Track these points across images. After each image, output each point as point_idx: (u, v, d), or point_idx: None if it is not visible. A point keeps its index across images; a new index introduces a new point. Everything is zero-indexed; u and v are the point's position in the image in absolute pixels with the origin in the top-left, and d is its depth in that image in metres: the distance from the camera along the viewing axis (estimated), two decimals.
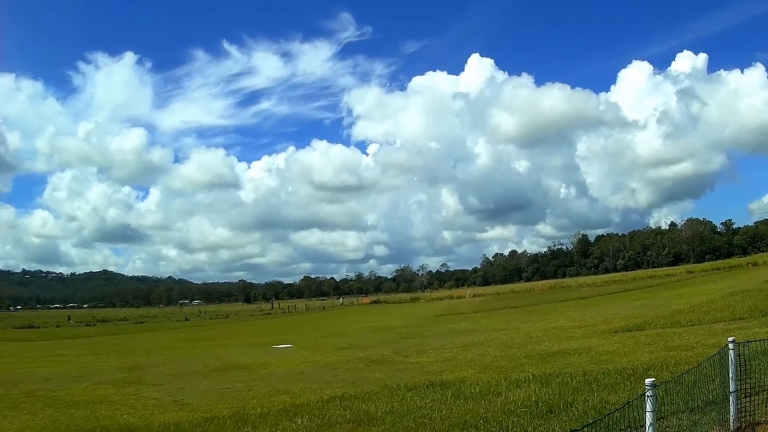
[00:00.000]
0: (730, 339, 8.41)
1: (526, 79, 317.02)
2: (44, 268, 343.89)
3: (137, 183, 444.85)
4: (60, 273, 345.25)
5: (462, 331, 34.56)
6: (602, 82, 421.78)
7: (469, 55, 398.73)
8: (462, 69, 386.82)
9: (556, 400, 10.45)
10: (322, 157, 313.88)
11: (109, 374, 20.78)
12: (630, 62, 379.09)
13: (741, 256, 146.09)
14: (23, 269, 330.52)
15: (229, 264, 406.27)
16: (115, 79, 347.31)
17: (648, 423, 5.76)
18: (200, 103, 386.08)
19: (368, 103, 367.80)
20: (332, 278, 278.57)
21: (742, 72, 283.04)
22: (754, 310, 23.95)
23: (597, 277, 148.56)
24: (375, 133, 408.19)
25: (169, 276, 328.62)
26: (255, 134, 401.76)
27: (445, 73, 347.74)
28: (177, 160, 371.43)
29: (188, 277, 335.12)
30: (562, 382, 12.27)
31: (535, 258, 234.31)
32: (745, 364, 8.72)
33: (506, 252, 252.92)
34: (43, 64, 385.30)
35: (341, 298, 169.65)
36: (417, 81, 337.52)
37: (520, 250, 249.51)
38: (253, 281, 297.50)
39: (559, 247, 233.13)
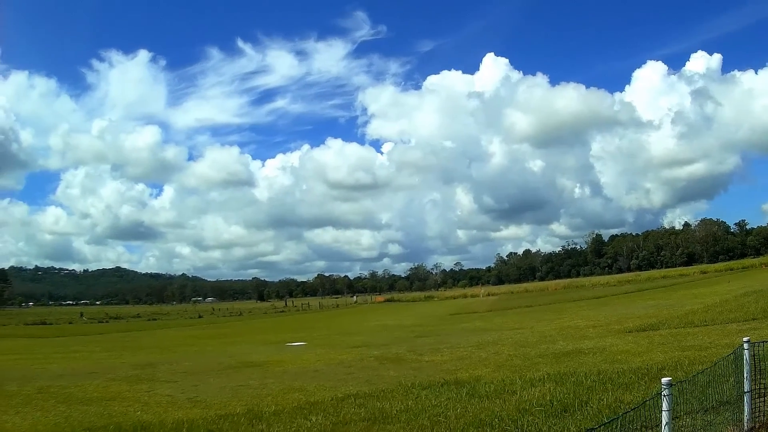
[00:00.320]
0: (744, 339, 8.39)
1: (540, 79, 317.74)
2: (57, 265, 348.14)
3: (151, 180, 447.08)
4: (73, 270, 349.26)
5: (476, 329, 34.54)
6: (617, 82, 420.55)
7: (484, 55, 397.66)
8: (477, 68, 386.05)
9: (571, 400, 10.45)
10: (337, 156, 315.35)
11: (122, 371, 20.80)
12: (644, 62, 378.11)
13: (754, 257, 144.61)
14: (36, 266, 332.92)
15: (242, 262, 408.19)
16: (129, 77, 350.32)
17: (664, 422, 5.76)
18: (214, 101, 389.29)
19: (383, 101, 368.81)
20: (346, 276, 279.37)
21: (756, 72, 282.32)
22: None
23: (611, 276, 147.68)
24: (390, 131, 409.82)
25: (183, 273, 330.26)
26: (269, 132, 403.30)
27: (460, 72, 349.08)
28: (191, 157, 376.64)
29: (202, 275, 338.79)
30: (577, 381, 12.27)
31: (549, 257, 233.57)
32: (760, 364, 8.70)
33: (520, 251, 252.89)
34: (56, 61, 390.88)
35: (355, 296, 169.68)
36: (432, 80, 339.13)
37: (534, 250, 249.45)
38: (266, 279, 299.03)
39: (573, 246, 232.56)
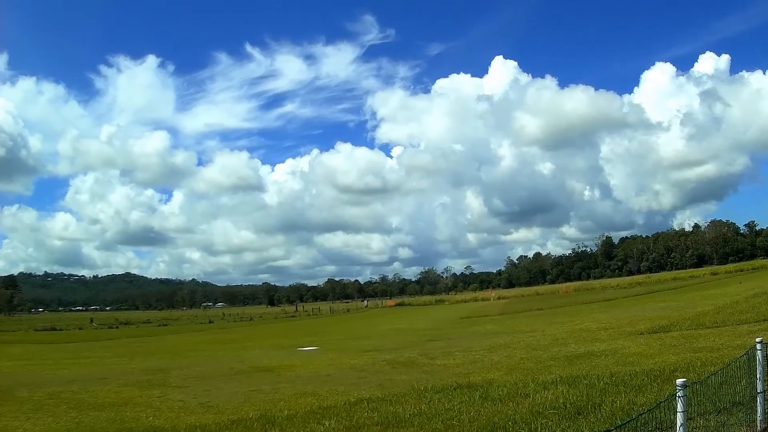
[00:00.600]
0: (757, 339, 8.38)
1: (549, 81, 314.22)
2: (66, 271, 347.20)
3: (160, 186, 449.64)
4: (82, 276, 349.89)
5: (487, 333, 34.52)
6: (626, 83, 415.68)
7: (493, 58, 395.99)
8: (486, 71, 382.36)
9: (584, 402, 10.45)
10: (346, 160, 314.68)
11: (133, 376, 20.93)
12: (653, 64, 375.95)
13: (764, 258, 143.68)
14: (45, 272, 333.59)
15: (252, 267, 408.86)
16: (137, 82, 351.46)
17: (679, 423, 5.77)
18: (223, 106, 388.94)
19: (392, 105, 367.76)
20: (356, 281, 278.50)
21: (764, 73, 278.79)
22: None
23: (621, 279, 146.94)
24: (399, 135, 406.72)
25: (193, 278, 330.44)
26: (279, 137, 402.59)
27: (468, 75, 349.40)
28: (200, 162, 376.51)
29: (212, 280, 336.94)
30: (589, 383, 12.25)
31: (560, 260, 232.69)
32: None
33: (530, 254, 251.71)
34: (64, 67, 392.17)
35: (366, 301, 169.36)
36: (441, 83, 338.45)
37: (544, 252, 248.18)
38: (276, 284, 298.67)
39: (583, 249, 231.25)
